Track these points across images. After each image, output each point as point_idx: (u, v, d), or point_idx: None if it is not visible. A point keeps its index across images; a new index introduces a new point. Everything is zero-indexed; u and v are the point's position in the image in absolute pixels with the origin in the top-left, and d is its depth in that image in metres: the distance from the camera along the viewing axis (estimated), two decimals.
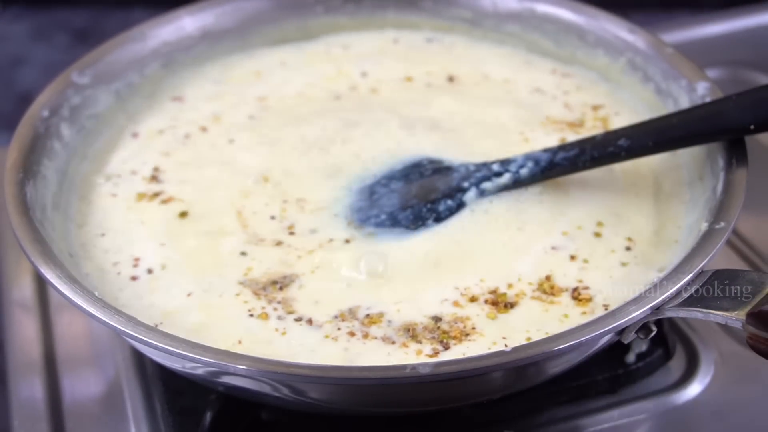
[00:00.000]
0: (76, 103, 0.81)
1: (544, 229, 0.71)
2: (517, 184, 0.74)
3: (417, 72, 0.90)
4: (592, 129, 0.81)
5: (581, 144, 0.73)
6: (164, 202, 0.75)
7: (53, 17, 1.61)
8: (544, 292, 0.67)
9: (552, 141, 0.80)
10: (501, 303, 0.66)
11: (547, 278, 0.68)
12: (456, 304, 0.66)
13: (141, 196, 0.76)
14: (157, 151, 0.81)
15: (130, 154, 0.81)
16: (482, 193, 0.74)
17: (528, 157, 0.74)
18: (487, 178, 0.74)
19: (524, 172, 0.73)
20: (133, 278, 0.69)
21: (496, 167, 0.74)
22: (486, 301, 0.66)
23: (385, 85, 0.89)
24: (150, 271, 0.69)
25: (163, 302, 0.67)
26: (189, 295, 0.67)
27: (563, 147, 0.73)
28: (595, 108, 0.85)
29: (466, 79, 0.89)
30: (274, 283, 0.68)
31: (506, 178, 0.73)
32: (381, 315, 0.65)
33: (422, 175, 0.76)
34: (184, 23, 0.90)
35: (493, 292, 0.67)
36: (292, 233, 0.72)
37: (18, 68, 1.51)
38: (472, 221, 0.73)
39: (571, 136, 0.80)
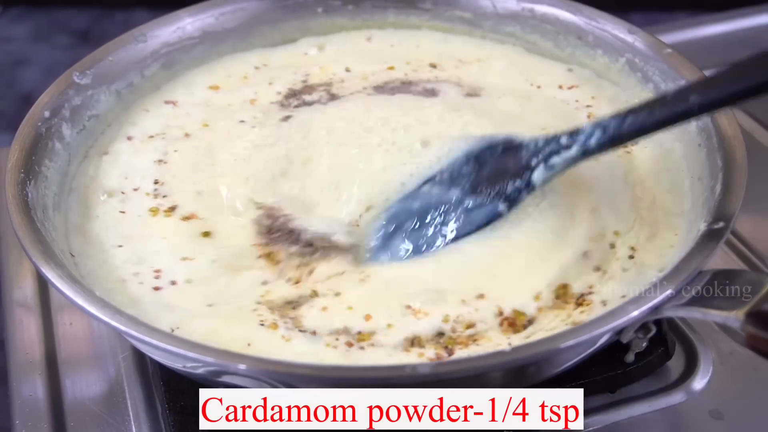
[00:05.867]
0: (77, 103, 0.81)
1: (568, 240, 0.71)
2: (586, 154, 0.69)
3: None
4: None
5: (650, 105, 0.67)
6: (185, 218, 0.74)
7: (54, 18, 1.61)
8: (557, 297, 0.68)
9: None
10: (519, 324, 0.66)
11: (563, 286, 0.68)
12: (468, 325, 0.66)
13: (155, 211, 0.75)
14: (153, 162, 0.80)
15: (127, 167, 0.80)
16: (552, 168, 0.70)
17: (597, 125, 0.68)
18: (556, 152, 0.70)
19: (593, 141, 0.68)
20: (156, 288, 0.69)
21: (564, 140, 0.70)
22: (501, 323, 0.66)
23: (371, 76, 0.89)
24: (174, 283, 0.69)
25: (183, 310, 0.67)
26: (210, 305, 0.68)
27: (632, 110, 0.67)
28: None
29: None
30: (289, 302, 0.68)
31: (575, 150, 0.69)
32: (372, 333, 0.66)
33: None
34: (185, 24, 0.90)
35: (514, 310, 0.67)
36: (307, 263, 0.72)
37: (19, 69, 1.51)
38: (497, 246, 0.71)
39: None
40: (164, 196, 0.77)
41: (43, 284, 0.84)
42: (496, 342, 0.64)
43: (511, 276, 0.69)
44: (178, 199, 0.76)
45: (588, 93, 0.87)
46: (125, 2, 1.65)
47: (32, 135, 0.75)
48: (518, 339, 0.65)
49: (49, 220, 0.71)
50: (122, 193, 0.77)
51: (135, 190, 0.77)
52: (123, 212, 0.76)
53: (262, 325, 0.66)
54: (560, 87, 0.88)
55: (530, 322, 0.66)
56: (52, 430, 0.71)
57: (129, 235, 0.73)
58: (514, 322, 0.66)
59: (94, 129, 0.83)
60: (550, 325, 0.65)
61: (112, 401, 0.73)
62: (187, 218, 0.75)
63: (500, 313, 0.66)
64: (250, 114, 0.85)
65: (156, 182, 0.78)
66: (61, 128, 0.78)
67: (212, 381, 0.64)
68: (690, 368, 0.74)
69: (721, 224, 0.64)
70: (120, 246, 0.72)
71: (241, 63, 0.92)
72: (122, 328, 0.59)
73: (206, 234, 0.74)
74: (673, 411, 0.71)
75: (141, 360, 0.76)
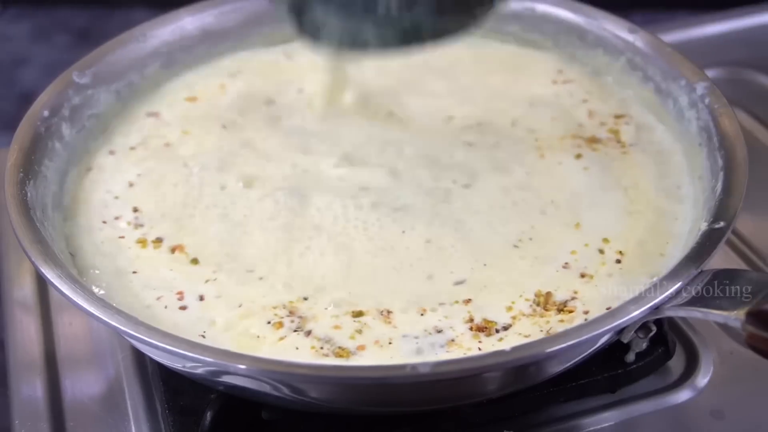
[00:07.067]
0: (77, 103, 0.81)
1: (553, 249, 0.71)
2: None
3: None
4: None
5: None
6: (173, 250, 0.72)
7: (54, 17, 1.61)
8: (538, 305, 0.67)
9: None
10: (491, 328, 0.66)
11: (547, 294, 0.68)
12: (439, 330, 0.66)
13: (143, 243, 0.73)
14: (130, 182, 0.78)
15: (107, 194, 0.77)
16: None
17: None
18: None
19: None
20: (182, 308, 0.68)
21: None
22: (471, 328, 0.66)
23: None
24: (201, 298, 0.68)
25: (210, 319, 0.67)
26: (239, 306, 0.67)
27: None
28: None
29: None
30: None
31: None
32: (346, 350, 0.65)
33: None
34: (185, 23, 0.90)
35: (485, 318, 0.66)
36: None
37: (19, 68, 1.51)
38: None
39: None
40: (142, 225, 0.74)
41: (42, 284, 0.84)
42: (467, 347, 0.64)
43: (484, 292, 0.68)
44: (160, 230, 0.74)
45: (583, 89, 0.87)
46: (125, 2, 1.64)
47: (31, 134, 0.75)
48: (490, 342, 0.64)
49: (49, 220, 0.71)
50: (103, 222, 0.75)
51: (116, 219, 0.75)
52: (122, 237, 0.74)
53: (269, 323, 0.66)
54: (554, 82, 0.89)
55: (504, 328, 0.66)
56: (51, 430, 0.71)
57: (135, 261, 0.72)
58: (482, 327, 0.66)
59: (94, 129, 0.82)
60: (525, 331, 0.65)
61: (112, 401, 0.73)
62: (173, 249, 0.73)
63: (471, 320, 0.66)
64: (230, 117, 0.85)
65: (135, 210, 0.76)
66: (61, 128, 0.78)
67: (212, 381, 0.64)
68: (691, 368, 0.74)
69: (721, 224, 0.64)
70: (135, 272, 0.71)
71: (224, 69, 0.92)
72: (122, 328, 0.59)
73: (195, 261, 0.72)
74: (673, 411, 0.71)
75: (141, 360, 0.76)
